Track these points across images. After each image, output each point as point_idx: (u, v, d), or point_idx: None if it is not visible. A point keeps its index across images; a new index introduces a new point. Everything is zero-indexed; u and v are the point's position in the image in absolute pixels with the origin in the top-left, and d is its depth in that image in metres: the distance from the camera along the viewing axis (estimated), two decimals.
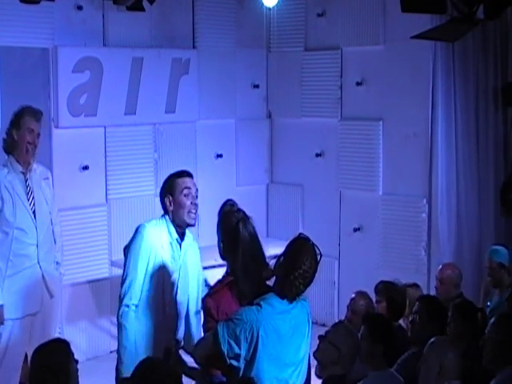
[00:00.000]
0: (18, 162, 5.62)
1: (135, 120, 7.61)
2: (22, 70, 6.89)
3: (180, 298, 4.82)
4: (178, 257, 4.81)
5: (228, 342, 3.95)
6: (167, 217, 4.78)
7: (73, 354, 3.99)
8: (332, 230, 8.20)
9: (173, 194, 4.77)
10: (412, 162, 7.47)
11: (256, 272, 4.20)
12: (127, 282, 4.67)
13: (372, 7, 7.64)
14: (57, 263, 5.90)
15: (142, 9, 6.90)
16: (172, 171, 7.60)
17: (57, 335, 6.32)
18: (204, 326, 4.33)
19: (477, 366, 4.44)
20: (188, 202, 4.77)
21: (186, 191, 4.78)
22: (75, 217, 7.09)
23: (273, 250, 8.59)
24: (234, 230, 4.23)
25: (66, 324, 7.09)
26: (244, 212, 4.36)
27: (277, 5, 7.66)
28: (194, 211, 4.79)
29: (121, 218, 7.44)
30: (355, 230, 7.98)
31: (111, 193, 7.42)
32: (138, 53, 7.55)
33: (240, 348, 3.97)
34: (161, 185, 4.92)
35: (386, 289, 5.50)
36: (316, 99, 8.28)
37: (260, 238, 4.30)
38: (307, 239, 4.13)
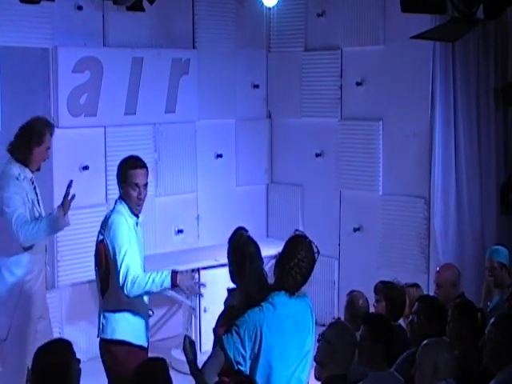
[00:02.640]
0: (26, 167, 5.73)
1: (135, 120, 7.61)
2: (22, 70, 6.90)
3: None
4: (141, 236, 5.17)
5: (234, 345, 4.04)
6: (123, 202, 5.02)
7: (75, 354, 4.00)
8: (332, 229, 8.20)
9: (123, 184, 5.03)
10: (412, 162, 7.47)
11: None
12: (125, 266, 4.83)
13: (372, 7, 7.64)
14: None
15: (142, 9, 6.90)
16: (171, 171, 7.56)
17: (56, 335, 6.34)
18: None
19: (477, 366, 4.44)
20: (135, 196, 5.01)
21: (134, 186, 4.99)
22: (75, 217, 7.06)
23: (273, 249, 8.64)
24: (242, 265, 4.37)
25: (66, 324, 7.09)
26: (254, 242, 4.52)
27: (277, 5, 7.66)
28: (139, 203, 5.05)
29: None
30: (355, 230, 7.98)
31: (111, 193, 7.40)
32: (138, 53, 7.56)
33: (245, 349, 4.04)
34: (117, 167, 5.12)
35: (385, 288, 5.50)
36: (316, 99, 8.28)
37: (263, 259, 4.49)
38: (303, 236, 4.24)
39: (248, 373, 4.09)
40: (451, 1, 5.21)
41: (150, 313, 5.20)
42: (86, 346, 7.11)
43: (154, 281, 4.82)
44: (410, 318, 5.05)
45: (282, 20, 8.47)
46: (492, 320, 4.29)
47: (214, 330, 4.44)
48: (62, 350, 4.00)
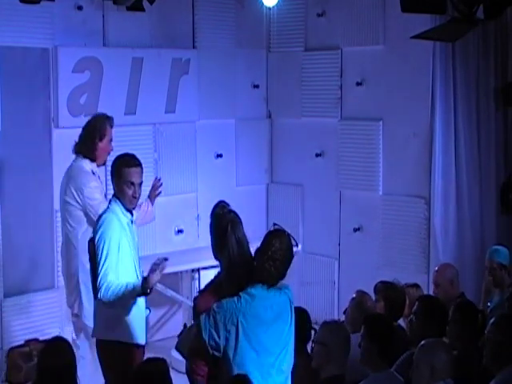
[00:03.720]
0: (93, 162, 6.00)
1: (135, 120, 7.61)
2: (22, 70, 6.89)
3: (140, 269, 5.12)
4: (135, 234, 5.18)
5: (209, 330, 4.11)
6: (118, 200, 5.04)
7: (74, 353, 4.02)
8: (332, 230, 8.20)
9: (118, 181, 5.05)
10: (412, 162, 7.47)
11: (239, 276, 4.25)
12: (103, 270, 4.84)
13: (372, 7, 7.64)
14: None
15: (142, 9, 6.89)
16: (171, 171, 7.56)
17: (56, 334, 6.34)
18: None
19: (477, 366, 4.45)
20: (130, 194, 5.03)
21: (129, 184, 5.01)
22: None
23: None
24: (223, 233, 4.32)
25: (66, 324, 7.09)
26: (235, 214, 4.42)
27: (277, 5, 7.66)
28: (134, 201, 5.07)
29: None
30: (355, 230, 7.98)
31: (111, 193, 7.40)
32: (138, 53, 7.56)
33: (219, 336, 4.10)
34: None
35: (385, 289, 5.50)
36: (316, 99, 8.28)
37: (249, 242, 4.38)
38: (280, 230, 4.28)
39: (227, 360, 4.14)
40: (451, 1, 5.21)
41: (147, 311, 5.20)
42: None
43: (126, 286, 4.81)
44: (410, 318, 5.06)
45: (282, 20, 8.46)
46: (492, 320, 4.29)
47: (195, 299, 4.47)
48: (64, 351, 4.02)
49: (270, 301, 4.20)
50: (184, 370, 4.44)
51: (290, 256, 4.25)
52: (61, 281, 7.11)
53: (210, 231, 4.45)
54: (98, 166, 6.07)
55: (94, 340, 5.18)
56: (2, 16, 6.60)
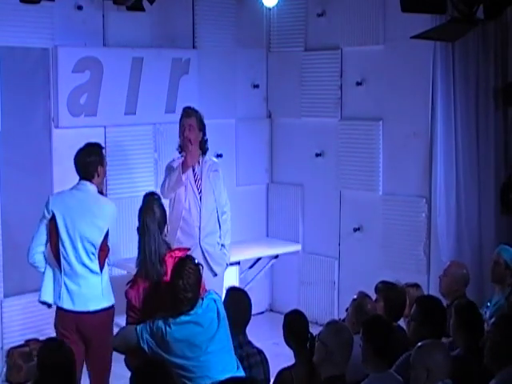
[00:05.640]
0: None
1: (135, 120, 7.61)
2: (22, 70, 6.90)
3: None
4: None
5: (146, 339, 4.65)
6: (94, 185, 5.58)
7: (72, 351, 4.03)
8: (332, 230, 8.20)
9: (103, 166, 5.63)
10: (412, 162, 7.46)
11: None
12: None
13: (372, 7, 7.64)
14: (222, 245, 6.66)
15: (142, 9, 6.91)
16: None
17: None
18: (127, 316, 4.93)
19: (477, 366, 4.44)
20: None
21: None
22: None
23: (273, 250, 8.67)
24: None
25: None
26: (161, 209, 5.27)
27: (277, 5, 7.67)
28: None
29: (120, 217, 7.38)
30: (355, 229, 7.98)
31: (111, 192, 7.41)
32: (138, 53, 7.56)
33: (155, 349, 4.66)
34: (92, 153, 5.66)
35: (385, 289, 5.49)
36: (316, 99, 8.28)
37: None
38: (185, 258, 4.83)
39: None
40: (451, 1, 5.21)
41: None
42: None
43: None
44: (409, 319, 5.05)
45: (282, 20, 8.47)
46: (492, 320, 4.30)
47: (126, 292, 4.97)
48: (65, 348, 4.04)
49: (201, 326, 4.66)
50: None
51: (197, 286, 4.71)
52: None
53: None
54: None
55: None
56: (2, 16, 6.60)
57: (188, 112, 6.64)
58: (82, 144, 7.32)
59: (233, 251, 7.01)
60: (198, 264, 4.74)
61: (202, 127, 6.64)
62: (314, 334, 4.60)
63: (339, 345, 4.35)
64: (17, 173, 6.87)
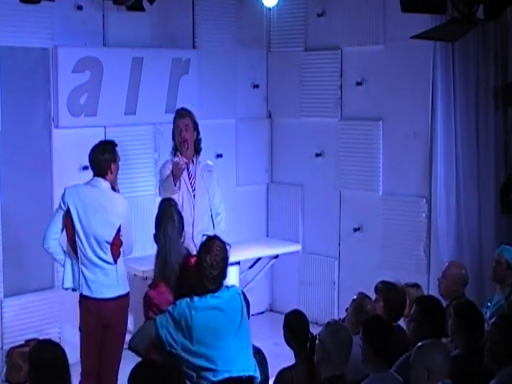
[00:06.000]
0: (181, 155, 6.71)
1: (135, 120, 7.61)
2: (22, 70, 6.90)
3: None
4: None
5: (166, 327, 4.51)
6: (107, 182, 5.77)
7: (64, 351, 4.04)
8: (332, 230, 8.20)
9: (116, 162, 5.80)
10: (412, 162, 7.47)
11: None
12: None
13: (372, 7, 7.64)
14: None
15: (142, 9, 6.91)
16: None
17: (56, 335, 6.35)
18: (145, 318, 4.91)
19: (477, 366, 4.44)
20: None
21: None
22: None
23: (273, 249, 8.67)
24: (159, 230, 5.11)
25: (66, 324, 7.09)
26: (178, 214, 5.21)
27: (277, 5, 7.67)
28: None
29: None
30: (355, 229, 7.98)
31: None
32: (138, 53, 7.55)
33: (176, 334, 4.51)
34: (106, 151, 5.81)
35: (385, 289, 5.49)
36: (316, 99, 8.28)
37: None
38: (211, 237, 4.77)
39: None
40: (451, 1, 5.21)
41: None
42: None
43: None
44: (408, 319, 5.05)
45: (282, 20, 8.47)
46: (493, 320, 4.29)
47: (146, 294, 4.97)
48: (56, 349, 4.04)
49: (222, 310, 4.60)
50: None
51: (224, 264, 4.67)
52: (61, 280, 7.12)
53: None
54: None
55: None
56: (2, 16, 6.59)
57: (182, 113, 6.75)
58: (82, 144, 7.37)
59: (233, 251, 6.96)
60: (226, 243, 4.73)
61: (196, 127, 6.76)
62: (314, 334, 4.60)
63: (337, 345, 4.35)
64: (17, 173, 6.87)
